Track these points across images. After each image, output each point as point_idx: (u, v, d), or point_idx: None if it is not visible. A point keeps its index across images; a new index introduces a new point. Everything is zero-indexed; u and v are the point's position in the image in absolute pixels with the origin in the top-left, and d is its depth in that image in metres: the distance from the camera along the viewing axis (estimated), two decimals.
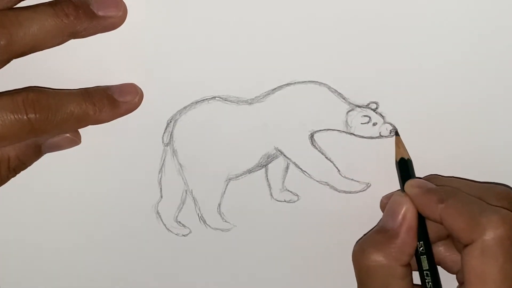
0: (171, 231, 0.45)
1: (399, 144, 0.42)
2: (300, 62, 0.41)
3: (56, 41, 0.38)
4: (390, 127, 0.42)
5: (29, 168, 0.42)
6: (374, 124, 0.42)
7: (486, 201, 0.38)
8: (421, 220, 0.40)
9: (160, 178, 0.43)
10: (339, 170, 0.43)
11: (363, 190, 0.44)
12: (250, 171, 0.44)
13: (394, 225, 0.40)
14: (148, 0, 0.39)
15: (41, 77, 0.40)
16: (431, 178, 0.42)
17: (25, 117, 0.37)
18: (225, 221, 0.45)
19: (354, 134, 0.42)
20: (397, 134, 0.42)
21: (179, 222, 0.45)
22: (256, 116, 0.42)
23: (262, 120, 0.42)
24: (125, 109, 0.40)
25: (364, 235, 0.43)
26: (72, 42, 0.39)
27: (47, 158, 0.42)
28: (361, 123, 0.42)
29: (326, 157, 0.43)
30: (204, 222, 0.45)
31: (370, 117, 0.42)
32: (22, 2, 0.38)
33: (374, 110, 0.42)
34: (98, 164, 0.43)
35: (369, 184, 0.44)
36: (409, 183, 0.41)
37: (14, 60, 0.38)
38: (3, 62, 0.37)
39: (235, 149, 0.43)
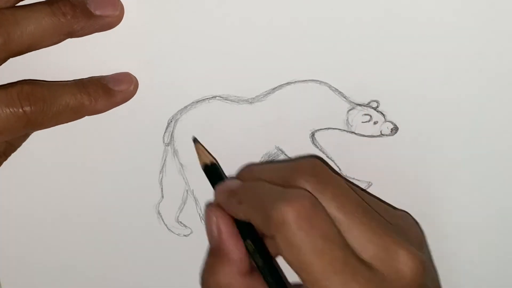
0: (172, 231, 0.45)
1: (199, 150, 0.41)
2: (301, 61, 0.41)
3: (53, 40, 0.38)
4: (391, 126, 0.42)
5: (30, 167, 0.43)
6: (375, 123, 0.42)
7: (289, 181, 0.36)
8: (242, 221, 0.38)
9: (161, 178, 0.43)
10: (340, 169, 0.43)
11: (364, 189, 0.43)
12: None
13: (214, 241, 0.39)
14: (147, 0, 0.39)
15: (38, 76, 0.40)
16: (243, 173, 0.41)
17: (20, 110, 0.37)
18: None
19: (355, 133, 0.42)
20: (195, 141, 0.41)
21: (180, 222, 0.44)
22: (257, 116, 0.42)
23: (263, 119, 0.42)
24: (121, 98, 0.40)
25: None
26: (70, 41, 0.39)
27: (48, 158, 0.42)
28: (362, 122, 0.42)
29: (327, 156, 0.43)
30: None
31: (371, 116, 0.42)
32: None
33: (375, 108, 0.42)
34: (99, 164, 0.43)
35: (370, 183, 0.43)
36: (216, 190, 0.40)
37: (11, 59, 0.38)
38: (0, 61, 0.37)
39: (236, 149, 0.43)
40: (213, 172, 0.41)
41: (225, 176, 0.41)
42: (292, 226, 0.34)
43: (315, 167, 0.37)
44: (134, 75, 0.41)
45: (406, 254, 0.35)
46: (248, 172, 0.41)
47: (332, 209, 0.36)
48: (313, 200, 0.35)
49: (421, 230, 0.40)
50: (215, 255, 0.39)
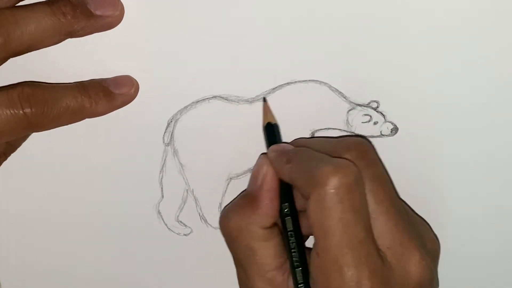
0: (172, 231, 0.45)
1: (266, 110, 0.41)
2: (301, 61, 0.41)
3: (53, 40, 0.38)
4: (391, 126, 0.42)
5: (30, 167, 0.43)
6: (375, 123, 0.42)
7: (335, 154, 0.37)
8: (287, 183, 0.39)
9: (161, 178, 0.43)
10: None
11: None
12: (251, 170, 0.43)
13: (254, 188, 0.39)
14: (147, 0, 0.39)
15: (38, 76, 0.40)
16: (295, 142, 0.41)
17: (21, 112, 0.37)
18: None
19: (355, 133, 0.42)
20: (265, 100, 0.41)
21: (180, 221, 0.44)
22: (257, 116, 0.42)
23: (263, 119, 0.42)
24: (122, 101, 0.40)
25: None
26: (70, 41, 0.39)
27: (48, 158, 0.42)
28: (362, 122, 0.42)
29: None
30: (205, 221, 0.44)
31: (371, 116, 0.42)
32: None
33: (375, 109, 0.41)
34: (99, 164, 0.43)
35: None
36: (270, 148, 0.40)
37: (11, 59, 0.38)
38: (0, 61, 0.37)
39: (236, 148, 0.43)
40: (272, 132, 0.41)
41: (281, 138, 0.41)
42: (331, 188, 0.35)
43: (364, 146, 0.38)
44: (134, 75, 0.41)
45: (419, 258, 0.37)
46: (299, 142, 0.41)
47: (367, 190, 0.36)
48: (358, 174, 0.36)
49: (439, 246, 0.40)
50: (248, 199, 0.39)
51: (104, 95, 0.39)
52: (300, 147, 0.40)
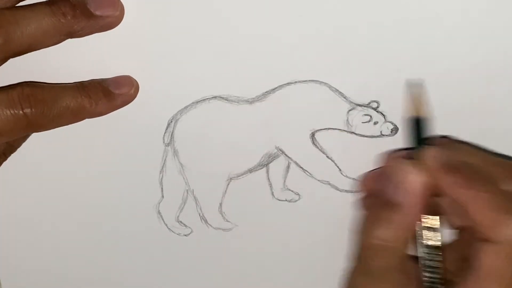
0: (173, 231, 0.45)
1: (416, 100, 0.38)
2: (301, 61, 0.41)
3: (53, 41, 0.38)
4: (391, 126, 0.42)
5: (30, 167, 0.43)
6: (375, 123, 0.42)
7: (504, 182, 0.34)
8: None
9: (161, 178, 0.43)
10: (340, 169, 0.43)
11: None
12: (251, 170, 0.43)
13: (404, 198, 0.35)
14: (147, 0, 0.39)
15: (38, 77, 0.40)
16: (445, 142, 0.38)
17: (21, 112, 0.37)
18: (227, 221, 0.44)
19: (355, 133, 0.42)
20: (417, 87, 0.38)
21: (181, 222, 0.44)
22: (257, 116, 0.42)
23: (263, 119, 0.42)
24: (121, 101, 0.40)
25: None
26: (70, 42, 0.38)
27: (48, 158, 0.42)
28: (362, 122, 0.42)
29: (327, 156, 0.43)
30: (206, 221, 0.44)
31: (371, 116, 0.42)
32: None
33: (375, 109, 0.41)
34: (99, 164, 0.43)
35: None
36: (428, 153, 0.36)
37: (11, 60, 0.38)
38: (0, 61, 0.37)
39: (236, 149, 0.43)
40: (421, 127, 0.37)
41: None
42: None
43: None
44: (134, 75, 0.41)
45: None
46: (451, 146, 0.38)
47: None
48: None
49: None
50: (395, 210, 0.35)
51: (104, 95, 0.39)
52: (464, 162, 0.36)
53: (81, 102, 0.39)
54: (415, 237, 0.36)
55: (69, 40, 0.38)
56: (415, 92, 0.39)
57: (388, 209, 0.35)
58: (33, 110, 0.37)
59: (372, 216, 0.36)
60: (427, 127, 0.37)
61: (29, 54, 0.38)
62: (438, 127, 0.41)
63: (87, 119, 0.40)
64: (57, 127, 0.39)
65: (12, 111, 0.37)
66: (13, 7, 0.37)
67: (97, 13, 0.38)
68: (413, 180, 0.35)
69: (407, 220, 0.35)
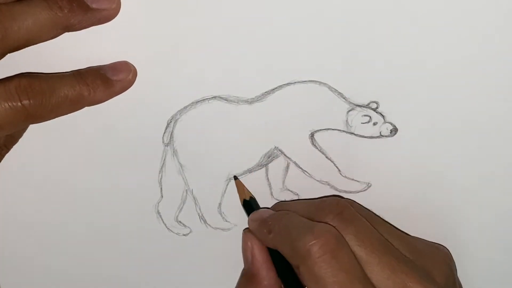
0: (172, 231, 0.44)
1: (240, 187, 0.42)
2: (300, 62, 0.40)
3: (51, 35, 0.37)
4: (391, 127, 0.42)
5: (30, 167, 0.43)
6: (375, 124, 0.42)
7: (315, 218, 0.38)
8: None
9: (161, 178, 0.43)
10: (339, 170, 0.43)
11: (364, 190, 0.43)
12: (250, 170, 0.43)
13: (247, 265, 0.40)
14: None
15: (36, 71, 0.39)
16: (276, 206, 0.42)
17: (19, 104, 0.37)
18: (226, 221, 0.44)
19: (354, 134, 0.42)
20: (235, 178, 0.43)
21: (180, 221, 0.44)
22: (256, 116, 0.42)
23: (262, 119, 0.42)
24: (120, 87, 0.40)
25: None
26: (68, 36, 0.38)
27: (47, 158, 0.42)
28: (362, 123, 0.42)
29: (327, 157, 0.43)
30: (205, 221, 0.44)
31: (370, 117, 0.41)
32: None
33: (374, 109, 0.41)
34: (99, 164, 0.43)
35: (369, 184, 0.43)
36: (249, 218, 0.41)
37: (8, 55, 0.37)
38: None
39: (236, 149, 0.42)
40: (250, 206, 0.42)
41: (259, 208, 0.42)
42: (316, 258, 0.36)
43: (340, 206, 0.39)
44: None
45: None
46: (279, 206, 0.42)
47: (355, 246, 0.37)
48: (338, 236, 0.37)
49: (450, 267, 0.40)
50: (248, 277, 0.40)
51: (102, 82, 0.39)
52: (280, 211, 0.40)
53: (79, 90, 0.38)
54: None
55: (66, 34, 0.38)
56: (238, 182, 0.43)
57: (245, 277, 0.41)
58: (31, 101, 0.37)
59: (238, 284, 0.41)
60: (257, 204, 0.42)
61: (26, 48, 0.37)
62: (437, 129, 0.41)
63: (87, 119, 0.40)
64: (57, 117, 0.39)
65: (10, 104, 0.36)
66: (10, 2, 0.37)
67: (94, 6, 0.37)
68: (247, 246, 0.40)
69: (260, 282, 0.40)
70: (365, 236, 0.37)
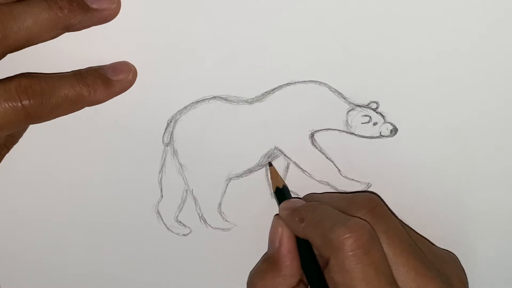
0: (172, 231, 0.44)
1: (273, 174, 0.42)
2: (300, 62, 0.40)
3: (51, 35, 0.37)
4: (391, 127, 0.41)
5: (30, 167, 0.42)
6: (375, 124, 0.41)
7: (348, 212, 0.38)
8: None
9: (161, 178, 0.43)
10: (339, 170, 0.43)
11: (364, 190, 0.43)
12: (250, 170, 0.43)
13: (273, 251, 0.40)
14: None
15: (36, 71, 0.39)
16: (307, 197, 0.42)
17: (19, 104, 0.37)
18: (226, 221, 0.44)
19: (354, 134, 0.42)
20: (270, 165, 0.42)
21: (180, 221, 0.44)
22: (256, 116, 0.42)
23: (262, 119, 0.42)
24: (120, 87, 0.40)
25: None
26: (70, 42, 0.38)
27: (47, 158, 0.42)
28: (362, 123, 0.42)
29: (327, 157, 0.42)
30: (205, 221, 0.44)
31: (370, 117, 0.41)
32: None
33: (374, 109, 0.41)
34: (99, 164, 0.43)
35: (369, 184, 0.43)
36: (281, 207, 0.41)
37: (8, 55, 0.37)
38: None
39: (236, 149, 0.42)
40: (282, 194, 0.42)
41: (291, 197, 0.42)
42: (348, 252, 0.36)
43: (373, 201, 0.39)
44: None
45: None
46: (311, 197, 0.42)
47: (384, 244, 0.37)
48: (372, 232, 0.37)
49: (464, 274, 0.41)
50: (270, 262, 0.40)
51: (102, 82, 0.39)
52: (312, 202, 0.40)
53: (79, 90, 0.38)
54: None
55: (67, 34, 0.38)
56: (272, 169, 0.42)
57: (267, 261, 0.40)
58: (31, 101, 0.37)
59: (256, 270, 0.41)
60: (289, 193, 0.42)
61: (26, 48, 0.37)
62: (437, 129, 0.41)
63: (87, 119, 0.40)
64: (57, 117, 0.39)
65: (10, 104, 0.36)
66: (10, 2, 0.37)
67: (94, 6, 0.37)
68: (277, 233, 0.40)
69: (282, 268, 0.39)
70: (395, 235, 0.38)
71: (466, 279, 0.41)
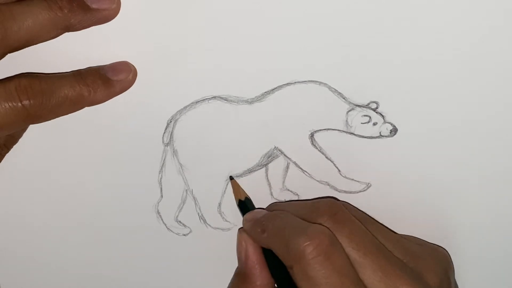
0: (172, 231, 0.44)
1: (235, 187, 0.42)
2: (300, 62, 0.40)
3: (51, 35, 0.37)
4: (390, 127, 0.41)
5: (30, 167, 0.42)
6: (374, 124, 0.41)
7: (309, 219, 0.38)
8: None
9: (161, 178, 0.43)
10: (339, 170, 0.43)
11: (364, 190, 0.43)
12: (250, 170, 0.43)
13: (241, 265, 0.40)
14: None
15: (36, 71, 0.39)
16: (271, 206, 0.42)
17: (19, 104, 0.37)
18: (225, 221, 0.44)
19: (354, 134, 0.42)
20: (231, 178, 0.43)
21: (180, 221, 0.44)
22: (256, 116, 0.41)
23: (262, 119, 0.42)
24: (120, 87, 0.40)
25: None
26: (70, 42, 0.38)
27: (47, 158, 0.42)
28: (361, 123, 0.41)
29: (326, 157, 0.42)
30: (205, 221, 0.44)
31: (370, 117, 0.41)
32: None
33: (374, 109, 0.41)
34: (99, 163, 0.43)
35: (369, 184, 0.43)
36: (244, 218, 0.41)
37: (8, 55, 0.37)
38: None
39: (235, 149, 0.42)
40: (246, 206, 0.42)
41: (255, 208, 0.42)
42: (309, 259, 0.36)
43: (334, 207, 0.39)
44: None
45: None
46: (274, 206, 0.42)
47: (348, 248, 0.37)
48: (332, 237, 0.37)
49: (445, 269, 0.40)
50: (241, 276, 0.40)
51: (102, 82, 0.39)
52: (274, 211, 0.40)
53: (79, 90, 0.38)
54: None
55: (67, 34, 0.38)
56: (233, 182, 0.43)
57: (238, 276, 0.41)
58: (31, 101, 0.37)
59: (231, 282, 0.41)
60: (252, 204, 0.42)
61: (26, 48, 0.37)
62: (437, 129, 0.41)
63: (87, 118, 0.40)
64: (57, 117, 0.39)
65: (10, 104, 0.36)
66: (10, 3, 0.37)
67: (94, 6, 0.37)
68: (242, 246, 0.40)
69: (252, 281, 0.40)
70: (359, 238, 0.38)
71: (447, 274, 0.40)
